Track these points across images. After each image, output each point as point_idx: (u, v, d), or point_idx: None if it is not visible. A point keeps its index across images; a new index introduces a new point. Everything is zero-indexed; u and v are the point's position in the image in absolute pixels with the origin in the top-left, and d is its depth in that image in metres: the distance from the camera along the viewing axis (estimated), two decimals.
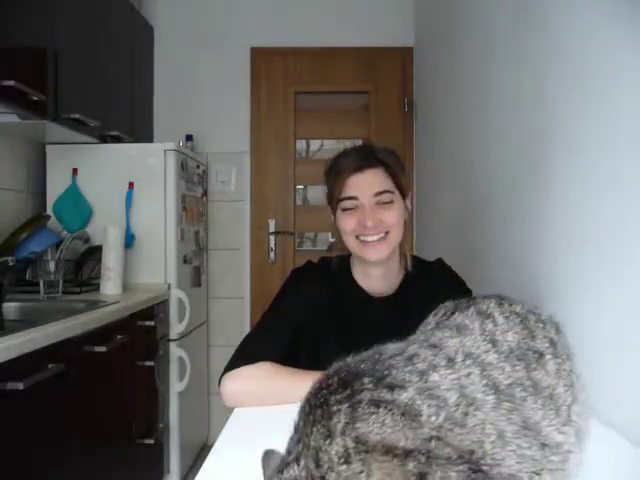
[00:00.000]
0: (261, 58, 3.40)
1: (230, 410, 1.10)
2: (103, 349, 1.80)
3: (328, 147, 3.61)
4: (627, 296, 0.98)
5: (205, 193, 3.29)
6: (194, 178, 3.00)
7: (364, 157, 1.25)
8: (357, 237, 1.25)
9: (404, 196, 1.28)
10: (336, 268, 1.33)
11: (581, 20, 1.17)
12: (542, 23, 1.37)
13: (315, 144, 3.61)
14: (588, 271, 1.12)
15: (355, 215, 1.24)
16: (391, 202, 1.24)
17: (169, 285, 2.63)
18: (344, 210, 1.26)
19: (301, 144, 3.55)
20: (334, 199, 1.28)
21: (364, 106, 3.46)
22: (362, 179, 1.23)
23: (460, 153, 2.25)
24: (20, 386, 1.33)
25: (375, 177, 1.23)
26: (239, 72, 3.39)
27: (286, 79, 3.42)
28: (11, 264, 2.04)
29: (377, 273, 1.30)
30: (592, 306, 1.10)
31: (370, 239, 1.23)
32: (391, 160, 1.26)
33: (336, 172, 1.27)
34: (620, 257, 1.00)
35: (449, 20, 2.48)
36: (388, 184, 1.24)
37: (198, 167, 3.10)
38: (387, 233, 1.24)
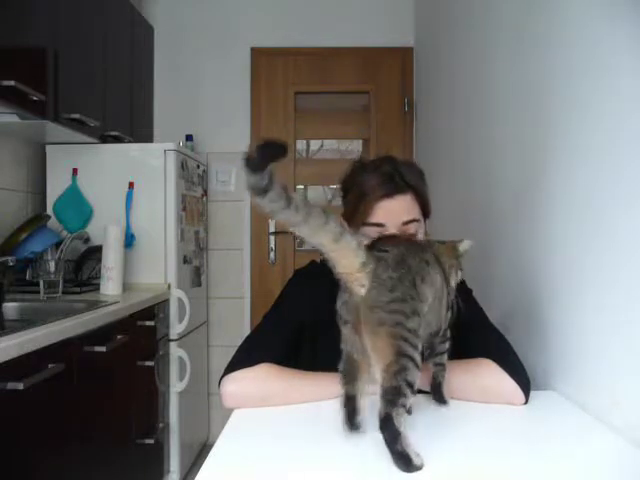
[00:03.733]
0: (261, 58, 3.40)
1: (230, 410, 1.10)
2: (103, 349, 1.80)
3: (328, 147, 3.61)
4: (627, 294, 0.98)
5: (205, 193, 3.29)
6: (194, 178, 3.00)
7: (391, 178, 1.17)
8: None
9: (426, 218, 1.24)
10: (327, 273, 1.32)
11: (581, 17, 1.17)
12: (541, 22, 1.37)
13: (315, 144, 3.61)
14: (588, 271, 1.12)
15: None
16: (415, 233, 1.18)
17: (169, 285, 2.63)
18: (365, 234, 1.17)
19: (301, 144, 3.55)
20: (356, 219, 1.19)
21: (364, 106, 3.46)
22: (391, 205, 1.16)
23: (460, 153, 2.25)
24: (20, 386, 1.33)
25: (404, 204, 1.17)
26: (239, 72, 3.39)
27: (286, 79, 3.42)
28: (11, 264, 2.04)
29: None
30: (592, 306, 1.10)
31: None
32: (419, 183, 1.21)
33: (361, 192, 1.18)
34: (620, 253, 1.00)
35: (449, 20, 2.48)
36: (416, 212, 1.19)
37: (198, 167, 3.10)
38: None
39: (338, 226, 0.85)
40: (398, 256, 0.89)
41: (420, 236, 1.20)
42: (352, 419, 0.93)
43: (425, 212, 1.23)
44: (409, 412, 1.00)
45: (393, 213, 1.16)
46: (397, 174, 1.18)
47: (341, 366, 0.94)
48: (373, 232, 1.16)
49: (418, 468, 0.82)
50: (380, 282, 0.87)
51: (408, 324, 0.86)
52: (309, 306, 1.25)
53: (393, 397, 0.83)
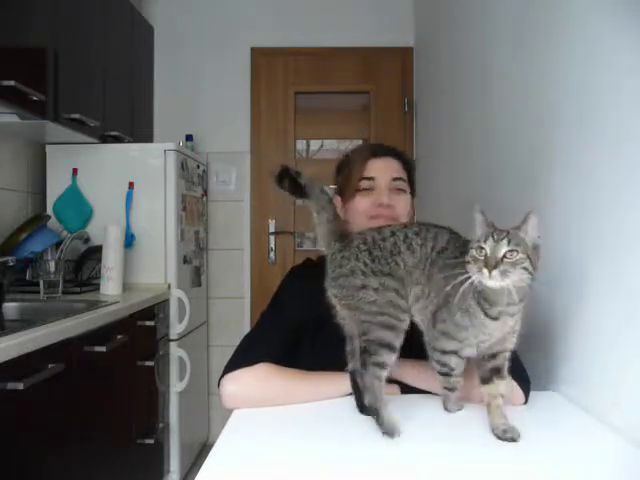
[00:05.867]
0: (261, 58, 3.40)
1: (230, 410, 1.10)
2: (103, 349, 1.80)
3: (328, 147, 3.61)
4: (627, 294, 0.98)
5: (205, 193, 3.29)
6: (194, 178, 3.00)
7: (388, 147, 1.34)
8: (370, 217, 1.27)
9: (412, 195, 1.35)
10: (321, 270, 1.33)
11: (581, 16, 1.17)
12: (541, 21, 1.37)
13: (315, 144, 3.61)
14: (589, 271, 1.12)
15: (370, 196, 1.28)
16: (404, 191, 1.30)
17: (169, 285, 2.63)
18: (359, 191, 1.29)
19: (301, 144, 3.55)
20: (350, 184, 1.31)
21: (364, 106, 3.47)
22: (380, 163, 1.30)
23: (460, 153, 2.25)
24: (20, 386, 1.33)
25: (391, 164, 1.31)
26: (239, 72, 3.39)
27: (286, 79, 3.42)
28: (11, 264, 2.04)
29: None
30: (594, 307, 1.10)
31: (378, 220, 1.23)
32: (406, 158, 1.36)
33: (353, 159, 1.33)
34: (620, 253, 1.00)
35: (449, 20, 2.48)
36: (403, 174, 1.32)
37: (198, 167, 3.10)
38: (393, 220, 1.26)
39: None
40: (361, 238, 1.01)
41: (407, 200, 1.31)
42: (361, 399, 1.00)
43: (411, 189, 1.34)
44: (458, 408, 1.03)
45: (382, 169, 1.29)
46: (387, 146, 1.35)
47: (348, 346, 1.04)
48: (366, 184, 1.28)
49: (387, 431, 0.91)
50: (332, 260, 1.02)
51: (359, 294, 0.97)
52: (307, 304, 1.26)
53: (363, 357, 0.96)
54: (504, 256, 0.85)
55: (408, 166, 1.34)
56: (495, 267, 0.85)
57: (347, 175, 1.33)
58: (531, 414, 1.06)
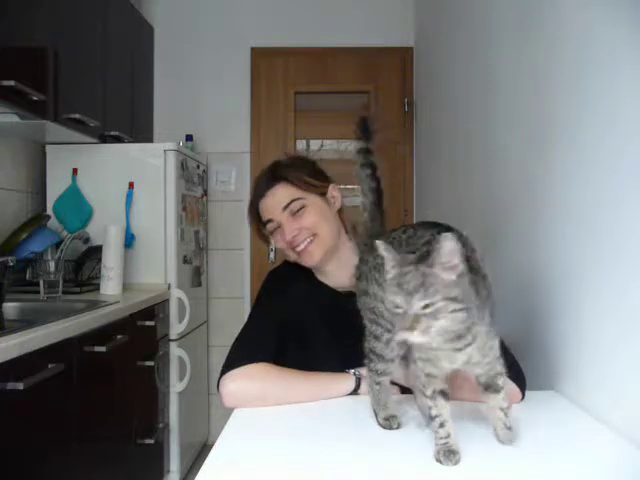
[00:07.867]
0: (261, 58, 3.40)
1: (230, 410, 1.10)
2: (103, 349, 1.80)
3: (328, 147, 3.61)
4: (626, 294, 0.98)
5: (205, 193, 3.29)
6: (194, 178, 3.00)
7: (265, 181, 1.32)
8: (293, 249, 1.30)
9: (322, 193, 1.32)
10: (299, 272, 1.36)
11: (581, 18, 1.17)
12: (542, 22, 1.37)
13: (315, 144, 3.61)
14: (588, 271, 1.12)
15: (280, 233, 1.30)
16: (303, 207, 1.28)
17: (169, 285, 2.63)
18: (271, 233, 1.32)
19: (301, 144, 3.55)
20: (261, 233, 1.36)
21: (364, 106, 3.47)
22: (269, 201, 1.30)
23: (460, 153, 2.25)
24: (20, 386, 1.33)
25: (278, 193, 1.29)
26: (239, 72, 3.39)
27: (286, 79, 3.42)
28: (11, 264, 2.04)
29: (330, 268, 1.32)
30: (592, 306, 1.10)
31: (300, 248, 1.28)
32: (291, 170, 1.31)
33: (249, 212, 1.36)
34: (619, 254, 1.00)
35: (449, 20, 2.48)
36: (293, 193, 1.29)
37: (198, 167, 3.10)
38: (315, 235, 1.28)
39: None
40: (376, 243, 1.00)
41: (313, 208, 1.29)
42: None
43: (315, 190, 1.31)
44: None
45: (272, 206, 1.30)
46: (265, 176, 1.33)
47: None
48: (271, 227, 1.31)
49: (381, 421, 0.97)
50: (359, 261, 1.05)
51: (362, 300, 0.99)
52: (290, 305, 1.29)
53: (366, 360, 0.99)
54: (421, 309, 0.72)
55: (294, 173, 1.30)
56: (414, 327, 0.71)
57: (254, 227, 1.38)
58: (531, 414, 1.06)
